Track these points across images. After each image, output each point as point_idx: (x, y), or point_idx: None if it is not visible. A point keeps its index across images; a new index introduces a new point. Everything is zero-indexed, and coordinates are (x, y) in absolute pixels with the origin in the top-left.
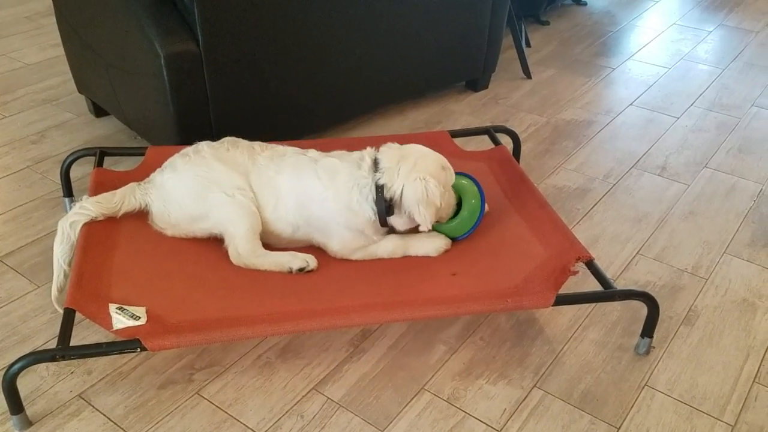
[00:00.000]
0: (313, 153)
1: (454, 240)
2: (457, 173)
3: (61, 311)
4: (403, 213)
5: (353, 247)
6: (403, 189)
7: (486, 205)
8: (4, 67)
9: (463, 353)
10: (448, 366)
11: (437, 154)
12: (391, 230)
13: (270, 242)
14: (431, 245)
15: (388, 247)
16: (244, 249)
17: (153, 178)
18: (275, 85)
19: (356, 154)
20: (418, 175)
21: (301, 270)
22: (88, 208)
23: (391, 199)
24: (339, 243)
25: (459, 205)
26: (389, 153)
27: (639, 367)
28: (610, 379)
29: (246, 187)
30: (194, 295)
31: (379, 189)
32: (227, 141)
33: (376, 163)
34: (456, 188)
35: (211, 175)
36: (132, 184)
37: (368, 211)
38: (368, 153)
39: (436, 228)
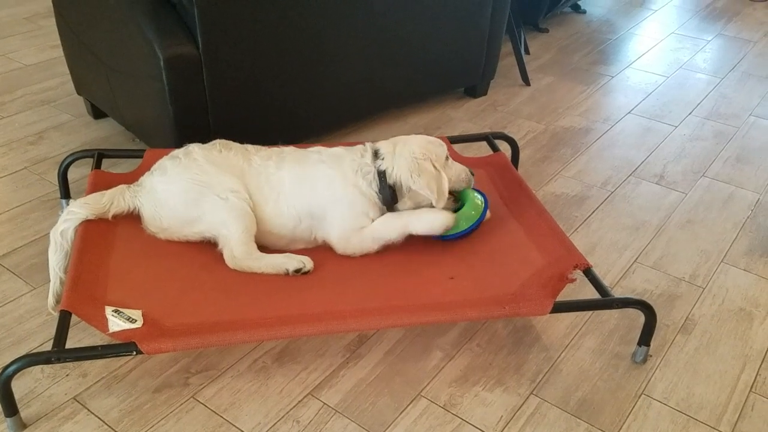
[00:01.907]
0: (314, 148)
1: (454, 237)
2: None
3: (55, 314)
4: (405, 194)
5: (354, 228)
6: (400, 170)
7: (488, 211)
8: (2, 68)
9: (459, 359)
10: (444, 372)
11: (427, 136)
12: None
13: (269, 243)
14: (434, 220)
15: (388, 225)
16: (239, 251)
17: (142, 181)
18: (274, 89)
19: (358, 146)
20: (408, 150)
21: (297, 271)
22: (75, 211)
23: (394, 185)
24: (340, 226)
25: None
26: (386, 143)
27: (636, 376)
28: (607, 387)
29: (240, 189)
30: (191, 298)
31: (382, 175)
32: (218, 143)
33: (376, 153)
34: (459, 192)
35: (203, 178)
36: (122, 186)
37: (373, 196)
38: (369, 145)
39: None
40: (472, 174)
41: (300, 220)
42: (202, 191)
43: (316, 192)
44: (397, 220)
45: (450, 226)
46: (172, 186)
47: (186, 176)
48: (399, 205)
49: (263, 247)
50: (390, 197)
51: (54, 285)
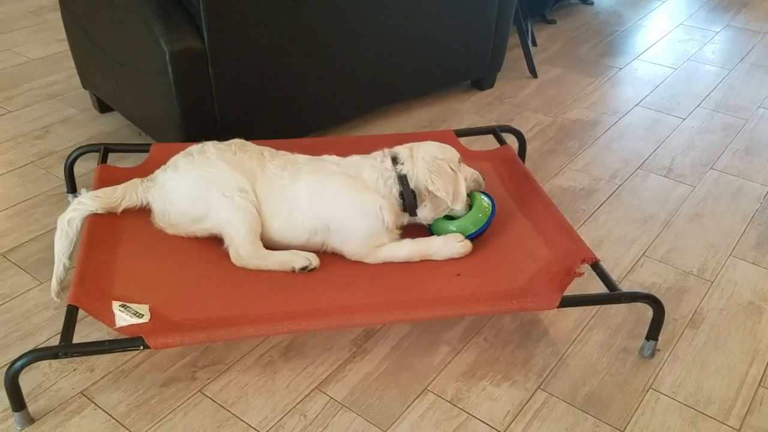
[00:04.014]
0: (328, 158)
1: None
2: None
3: (58, 301)
4: (425, 197)
5: (373, 245)
6: (419, 171)
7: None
8: (8, 62)
9: (466, 354)
10: (451, 367)
11: (438, 143)
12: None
13: (278, 249)
14: (453, 249)
15: (405, 250)
16: (245, 251)
17: (156, 176)
18: (280, 83)
19: (376, 153)
20: (426, 152)
21: (303, 269)
22: (85, 203)
23: (416, 188)
24: (359, 243)
25: (470, 206)
26: (403, 148)
27: (644, 370)
28: (615, 382)
29: (248, 190)
30: (198, 292)
31: (403, 179)
32: (235, 143)
33: (395, 159)
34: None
35: (212, 175)
36: (135, 180)
37: (395, 203)
38: (387, 150)
39: (450, 229)
40: (483, 178)
41: (315, 232)
42: (209, 188)
43: (336, 204)
44: (418, 250)
45: (468, 251)
46: (182, 183)
47: (195, 172)
48: (419, 211)
49: (270, 248)
50: (413, 201)
51: (57, 269)
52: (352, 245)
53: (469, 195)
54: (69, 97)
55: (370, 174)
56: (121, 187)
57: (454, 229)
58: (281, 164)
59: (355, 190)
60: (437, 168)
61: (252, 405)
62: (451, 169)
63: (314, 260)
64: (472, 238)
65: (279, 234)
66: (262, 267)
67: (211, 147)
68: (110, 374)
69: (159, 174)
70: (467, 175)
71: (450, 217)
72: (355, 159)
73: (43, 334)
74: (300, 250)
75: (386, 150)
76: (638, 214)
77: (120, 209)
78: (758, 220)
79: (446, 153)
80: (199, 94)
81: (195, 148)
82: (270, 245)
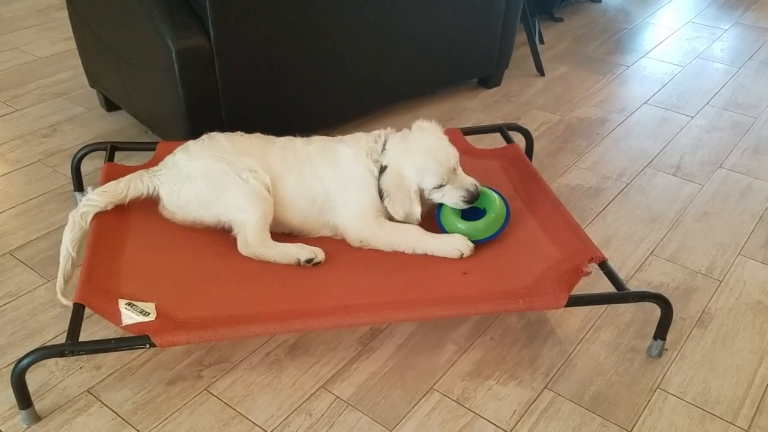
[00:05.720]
0: (336, 137)
1: (476, 242)
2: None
3: (66, 303)
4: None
5: (370, 214)
6: (383, 177)
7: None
8: (15, 61)
9: (473, 353)
10: (457, 366)
11: (437, 150)
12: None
13: (284, 221)
14: (450, 245)
15: (408, 234)
16: (253, 238)
17: (165, 161)
18: (286, 81)
19: (375, 132)
20: (398, 156)
21: (308, 261)
22: (95, 199)
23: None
24: (356, 210)
25: (484, 210)
26: (397, 139)
27: (651, 370)
28: (622, 382)
29: (259, 170)
30: (204, 290)
31: (383, 169)
32: (239, 133)
33: (384, 145)
34: (481, 194)
35: (224, 155)
36: (139, 171)
37: (375, 183)
38: (384, 132)
39: (460, 229)
40: (480, 186)
41: (320, 192)
42: (223, 169)
43: (337, 168)
44: (419, 239)
45: (465, 254)
46: (194, 162)
47: (208, 153)
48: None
49: (274, 234)
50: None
51: (65, 265)
52: (350, 213)
53: (484, 197)
54: (76, 96)
55: (364, 149)
56: (125, 179)
57: (465, 229)
58: (291, 137)
59: (349, 159)
60: (394, 182)
61: (258, 403)
62: (412, 194)
63: (319, 254)
64: (485, 241)
65: (291, 196)
66: (267, 257)
67: (218, 134)
68: (116, 372)
69: (168, 159)
70: (458, 186)
71: (462, 217)
72: (356, 134)
73: (50, 332)
74: (305, 216)
75: (384, 132)
76: (646, 213)
77: (127, 200)
78: (767, 219)
79: (429, 168)
80: (206, 92)
81: (203, 136)
82: (280, 211)
